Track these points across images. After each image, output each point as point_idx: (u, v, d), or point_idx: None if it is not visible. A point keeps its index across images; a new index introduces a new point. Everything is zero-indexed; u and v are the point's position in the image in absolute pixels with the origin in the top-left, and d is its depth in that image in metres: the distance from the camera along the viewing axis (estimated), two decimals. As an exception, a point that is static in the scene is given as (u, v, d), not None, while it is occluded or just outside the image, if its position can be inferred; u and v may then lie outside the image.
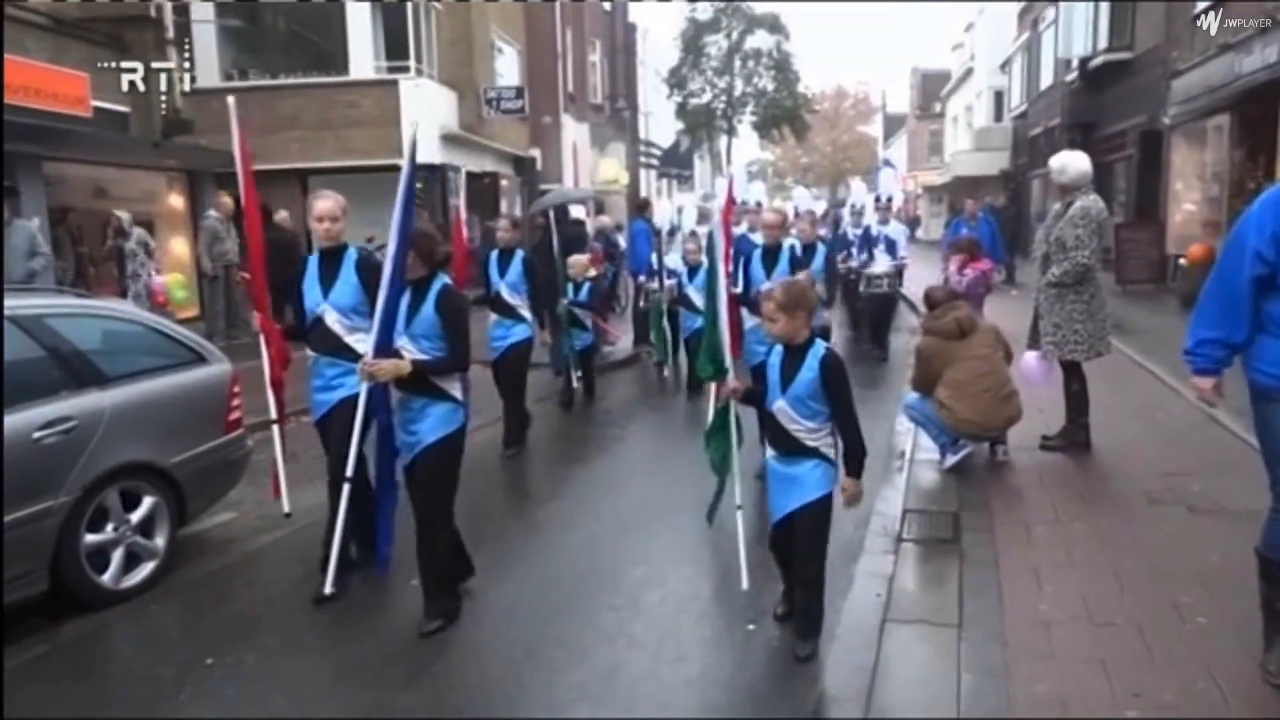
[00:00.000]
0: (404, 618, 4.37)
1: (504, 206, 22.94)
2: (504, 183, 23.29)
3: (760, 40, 39.10)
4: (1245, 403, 3.46)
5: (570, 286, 9.08)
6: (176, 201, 14.42)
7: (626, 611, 4.35)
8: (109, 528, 4.66)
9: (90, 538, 4.55)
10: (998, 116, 34.72)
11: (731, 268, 6.36)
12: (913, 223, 38.09)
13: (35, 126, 10.61)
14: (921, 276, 12.58)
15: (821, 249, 7.78)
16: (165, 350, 5.29)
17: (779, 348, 3.84)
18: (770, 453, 3.92)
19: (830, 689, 3.61)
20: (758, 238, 8.67)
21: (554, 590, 4.69)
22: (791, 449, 3.79)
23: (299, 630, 4.38)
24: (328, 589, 4.42)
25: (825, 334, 7.36)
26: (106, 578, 4.63)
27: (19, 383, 4.32)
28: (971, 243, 8.40)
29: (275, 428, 5.14)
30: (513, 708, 3.60)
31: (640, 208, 15.66)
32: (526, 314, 7.35)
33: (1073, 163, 6.17)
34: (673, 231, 11.70)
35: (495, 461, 7.24)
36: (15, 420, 4.24)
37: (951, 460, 6.06)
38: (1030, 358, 6.35)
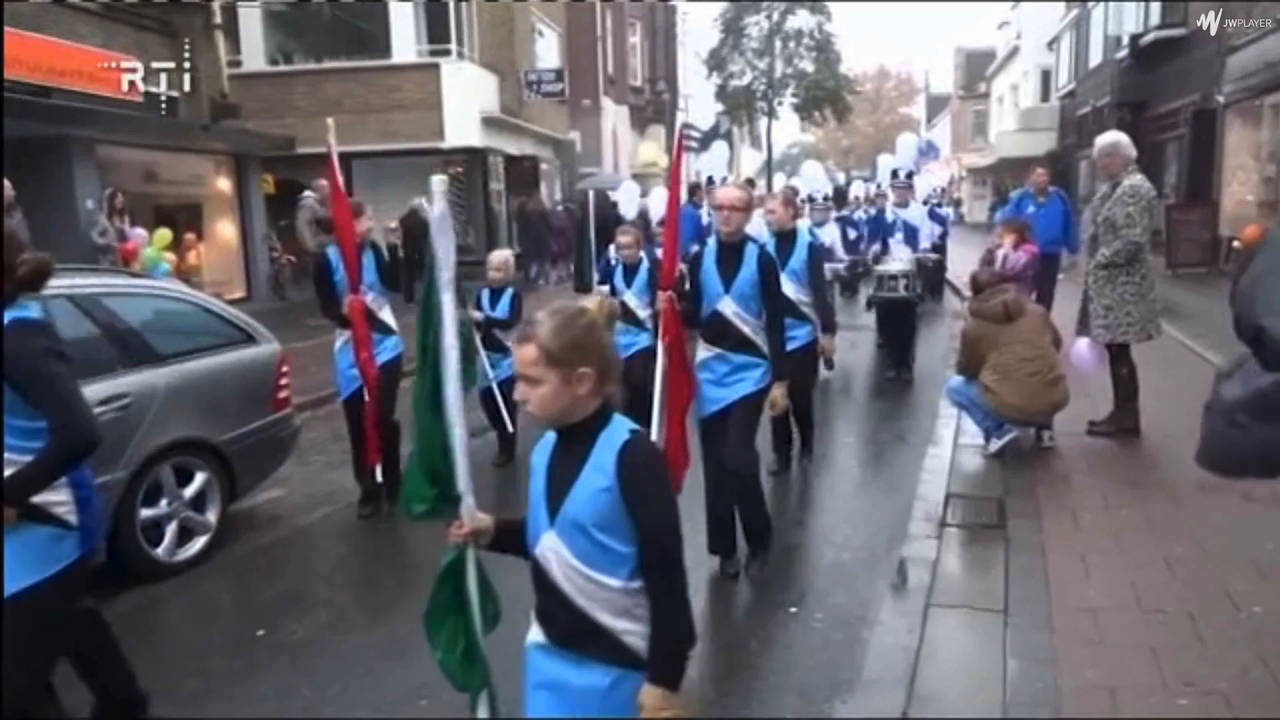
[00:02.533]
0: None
1: (543, 190, 23.02)
2: (543, 166, 23.34)
3: (801, 20, 38.64)
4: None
5: (485, 294, 6.58)
6: (224, 184, 14.67)
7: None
8: (163, 502, 4.78)
9: (145, 512, 4.67)
10: (1044, 96, 34.09)
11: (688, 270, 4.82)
12: (954, 204, 37.47)
13: (88, 110, 10.82)
14: (968, 262, 12.33)
15: (804, 240, 5.93)
16: (216, 330, 5.39)
17: (548, 439, 2.08)
18: (534, 635, 2.11)
19: (873, 672, 3.60)
20: (757, 228, 6.13)
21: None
22: (569, 632, 2.01)
23: (347, 606, 4.46)
24: None
25: (811, 365, 6.06)
26: (160, 551, 4.75)
27: (76, 360, 4.43)
28: (1023, 225, 8.22)
29: None
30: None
31: (689, 191, 15.58)
32: (392, 321, 5.64)
33: (1121, 141, 6.12)
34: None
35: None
36: (74, 397, 4.36)
37: (996, 445, 5.98)
38: (1082, 345, 6.24)
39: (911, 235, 8.99)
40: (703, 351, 4.51)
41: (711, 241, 4.69)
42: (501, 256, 6.79)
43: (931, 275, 12.02)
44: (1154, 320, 6.09)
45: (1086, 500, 5.16)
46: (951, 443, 6.40)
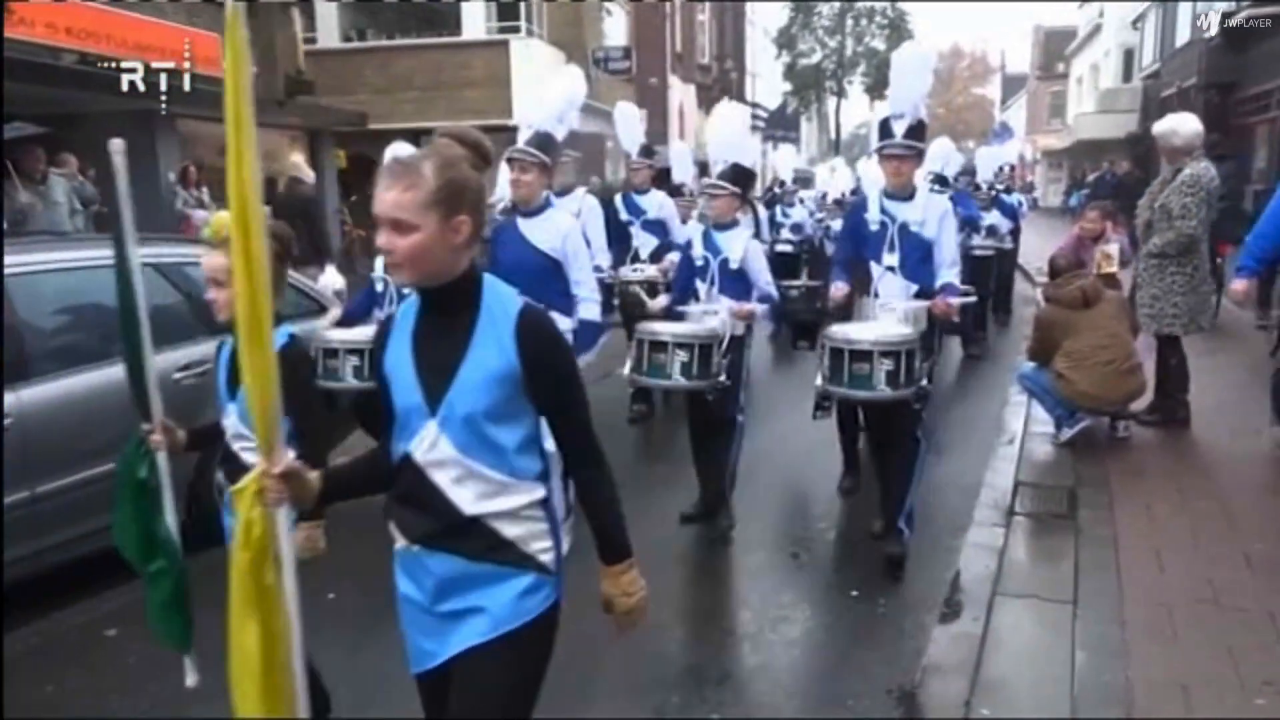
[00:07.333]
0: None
1: (608, 169, 23.01)
2: (608, 144, 23.31)
3: (874, -2, 37.92)
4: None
5: (226, 349, 2.73)
6: (298, 159, 14.97)
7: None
8: (239, 467, 4.91)
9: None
10: (1126, 77, 32.91)
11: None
12: (1027, 189, 36.36)
13: (171, 86, 11.12)
14: (1041, 253, 11.78)
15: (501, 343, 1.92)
16: (289, 300, 5.50)
17: None
18: None
19: (936, 657, 3.56)
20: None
21: (661, 550, 4.71)
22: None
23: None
24: None
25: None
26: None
27: (160, 327, 4.57)
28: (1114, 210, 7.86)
29: None
30: (618, 661, 3.66)
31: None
32: None
33: (1184, 125, 5.85)
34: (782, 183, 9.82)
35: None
36: (157, 361, 4.51)
37: (1068, 434, 5.84)
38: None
39: (917, 255, 4.33)
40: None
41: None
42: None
43: (973, 307, 7.16)
44: (1205, 312, 5.92)
45: (1162, 492, 5.02)
46: (1021, 430, 6.27)
